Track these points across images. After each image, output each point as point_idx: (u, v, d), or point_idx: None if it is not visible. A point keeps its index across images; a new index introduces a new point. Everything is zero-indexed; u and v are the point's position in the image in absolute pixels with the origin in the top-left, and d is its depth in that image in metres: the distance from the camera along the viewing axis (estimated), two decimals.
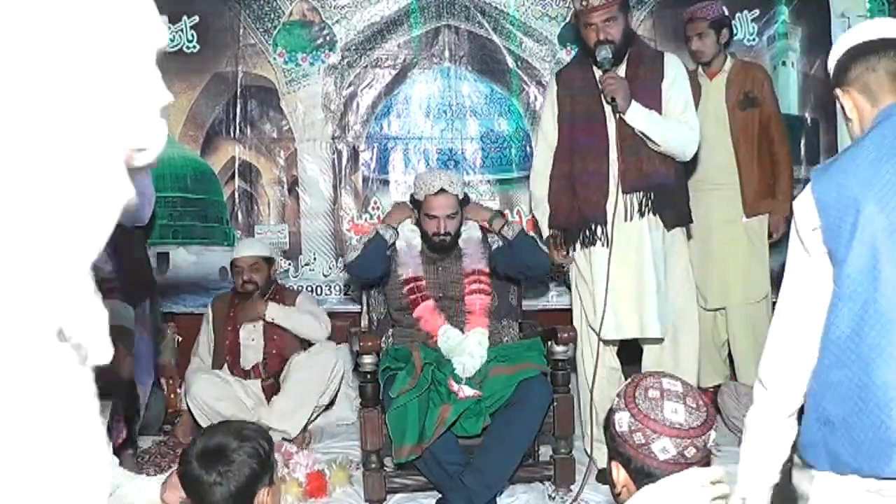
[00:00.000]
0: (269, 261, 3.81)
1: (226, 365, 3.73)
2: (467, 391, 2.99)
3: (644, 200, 3.04)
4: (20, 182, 0.79)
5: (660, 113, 3.04)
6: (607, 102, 3.01)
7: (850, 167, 1.57)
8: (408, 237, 3.33)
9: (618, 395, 1.56)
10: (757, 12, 4.22)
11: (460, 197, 3.27)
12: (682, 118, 3.06)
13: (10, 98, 0.79)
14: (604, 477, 3.23)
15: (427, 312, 3.21)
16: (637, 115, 2.99)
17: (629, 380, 1.59)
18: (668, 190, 3.05)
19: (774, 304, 3.13)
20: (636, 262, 3.06)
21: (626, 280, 3.04)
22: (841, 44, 1.71)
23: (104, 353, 0.87)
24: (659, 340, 3.13)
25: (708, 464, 1.51)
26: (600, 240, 3.09)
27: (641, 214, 3.04)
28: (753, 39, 4.22)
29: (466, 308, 3.23)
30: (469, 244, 3.33)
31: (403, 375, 2.99)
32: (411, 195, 3.36)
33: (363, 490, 3.08)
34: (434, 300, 3.23)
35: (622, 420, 1.51)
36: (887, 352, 1.49)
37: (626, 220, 3.04)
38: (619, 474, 1.53)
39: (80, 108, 0.83)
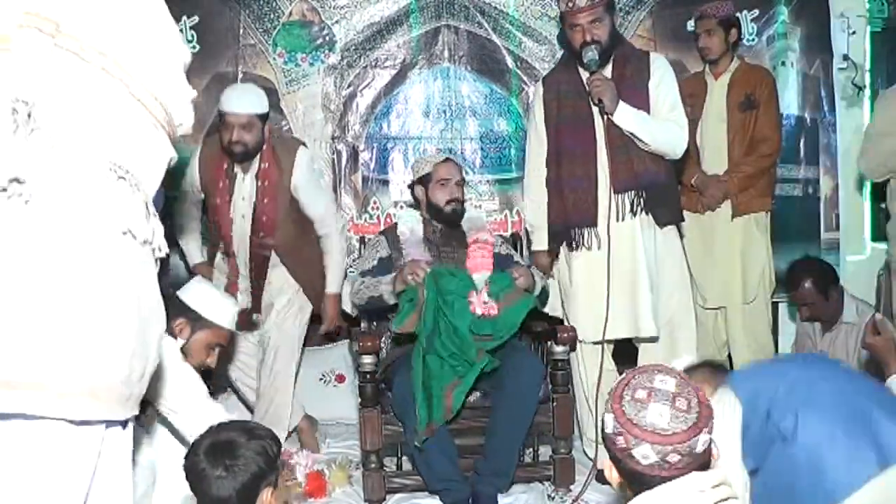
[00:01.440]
0: (263, 118, 3.23)
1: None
2: (485, 299, 2.93)
3: (636, 200, 3.05)
4: (121, 137, 1.34)
5: (648, 112, 3.04)
6: (594, 104, 3.02)
7: None
8: (410, 223, 3.29)
9: (609, 393, 1.52)
10: (757, 12, 4.21)
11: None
12: (671, 116, 3.07)
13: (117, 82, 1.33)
14: (602, 477, 3.24)
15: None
16: (625, 116, 2.99)
17: (623, 375, 1.54)
18: (659, 188, 3.07)
19: (776, 304, 3.17)
20: (629, 261, 3.07)
21: (619, 280, 3.05)
22: None
23: (164, 248, 1.41)
24: (655, 340, 3.14)
25: (708, 466, 1.47)
26: (585, 245, 3.12)
27: (633, 214, 3.06)
28: (753, 39, 4.22)
29: (467, 263, 3.08)
30: (471, 225, 3.29)
31: (407, 309, 2.93)
32: (412, 181, 3.36)
33: (363, 490, 3.08)
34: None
35: (608, 422, 1.48)
36: None
37: (617, 220, 3.05)
38: (612, 473, 1.53)
39: (152, 94, 1.39)
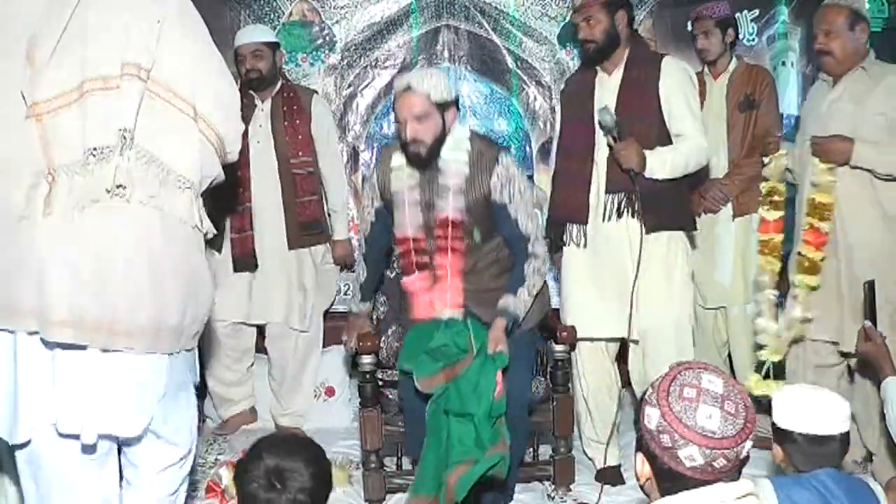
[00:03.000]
0: (273, 46, 3.62)
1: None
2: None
3: (625, 202, 3.01)
4: (188, 158, 1.92)
5: (656, 114, 2.99)
6: (624, 172, 2.94)
7: None
8: (401, 176, 2.89)
9: (651, 386, 1.45)
10: (757, 12, 4.22)
11: (436, 98, 2.73)
12: (688, 129, 2.99)
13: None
14: (602, 476, 3.24)
15: (414, 288, 2.91)
16: (656, 168, 2.93)
17: (667, 370, 1.46)
18: (655, 193, 2.96)
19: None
20: (611, 263, 3.05)
21: (601, 280, 3.07)
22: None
23: (213, 230, 2.04)
24: (635, 342, 3.11)
25: (738, 473, 1.41)
26: (574, 241, 3.13)
27: (619, 216, 3.02)
28: (753, 39, 4.23)
29: (436, 270, 2.86)
30: (448, 167, 2.80)
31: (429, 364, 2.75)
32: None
33: (363, 490, 3.09)
34: (428, 270, 2.89)
35: (652, 416, 1.41)
36: None
37: (604, 220, 3.04)
38: (643, 468, 1.45)
39: (214, 131, 1.95)
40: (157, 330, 1.88)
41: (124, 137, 1.82)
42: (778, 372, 3.07)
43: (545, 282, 2.98)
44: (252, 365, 3.89)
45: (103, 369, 1.85)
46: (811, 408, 1.97)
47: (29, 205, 1.80)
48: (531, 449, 3.21)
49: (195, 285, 1.99)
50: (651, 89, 3.01)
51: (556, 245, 3.22)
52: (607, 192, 3.02)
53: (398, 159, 2.87)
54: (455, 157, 2.79)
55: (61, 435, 1.85)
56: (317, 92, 3.83)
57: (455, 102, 2.83)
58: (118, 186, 1.81)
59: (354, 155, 4.18)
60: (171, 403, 1.99)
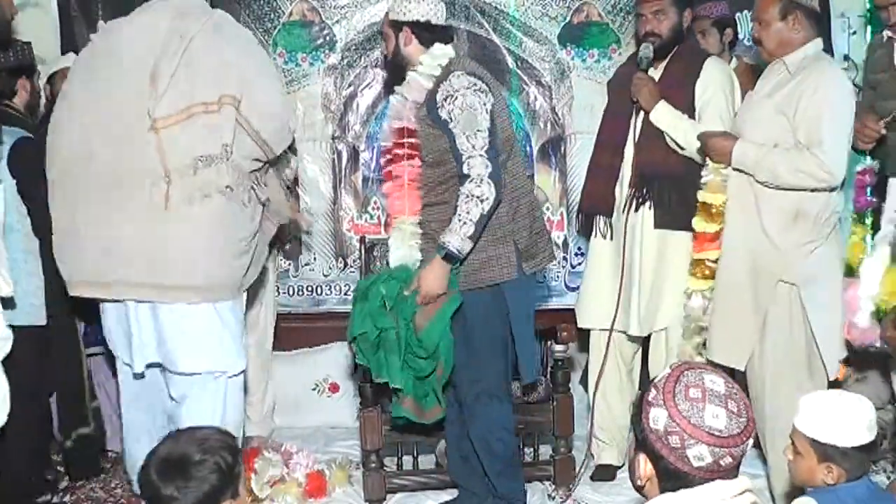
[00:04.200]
0: None
1: None
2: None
3: (645, 195, 3.04)
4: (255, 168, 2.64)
5: (689, 112, 3.00)
6: (632, 101, 3.04)
7: None
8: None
9: (654, 387, 1.45)
10: None
11: (392, 17, 2.80)
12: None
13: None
14: (600, 474, 3.24)
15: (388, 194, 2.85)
16: (662, 116, 2.98)
17: (668, 371, 1.47)
18: (668, 189, 3.01)
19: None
20: (630, 256, 3.08)
21: (620, 273, 3.09)
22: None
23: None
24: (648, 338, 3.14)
25: (737, 472, 1.43)
26: (602, 232, 3.19)
27: (636, 209, 3.05)
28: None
29: (397, 179, 2.76)
30: (412, 84, 2.76)
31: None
32: None
33: (363, 490, 3.09)
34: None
35: (658, 417, 1.41)
36: None
37: (625, 213, 3.07)
38: (646, 468, 1.45)
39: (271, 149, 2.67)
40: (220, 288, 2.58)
41: (226, 149, 2.47)
42: None
43: (509, 238, 2.72)
44: None
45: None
46: (850, 416, 1.86)
47: (151, 199, 2.43)
48: (531, 449, 3.21)
49: (260, 250, 2.76)
50: (688, 86, 3.02)
51: (585, 235, 3.37)
52: (631, 185, 3.07)
53: None
54: (417, 77, 2.73)
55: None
56: None
57: (416, 24, 2.73)
58: (227, 187, 2.48)
59: (354, 155, 4.18)
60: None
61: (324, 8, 4.12)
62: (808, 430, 1.86)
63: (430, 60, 2.73)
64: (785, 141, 2.66)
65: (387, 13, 2.83)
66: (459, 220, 2.57)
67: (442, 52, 2.75)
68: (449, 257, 2.59)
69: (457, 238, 2.58)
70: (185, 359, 2.56)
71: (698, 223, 2.86)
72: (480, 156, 2.58)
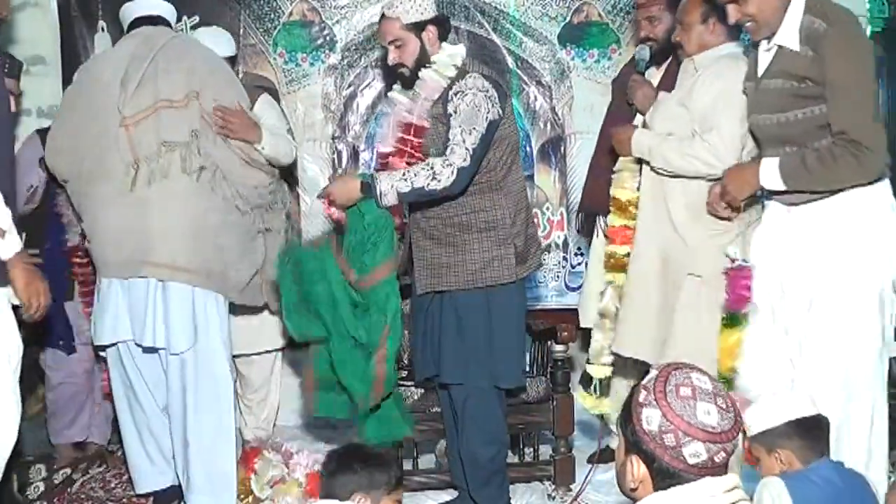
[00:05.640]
0: (230, 60, 3.36)
1: None
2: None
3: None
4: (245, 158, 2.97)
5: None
6: (628, 103, 3.09)
7: None
8: (396, 97, 2.92)
9: (644, 388, 1.47)
10: None
11: (407, 21, 2.73)
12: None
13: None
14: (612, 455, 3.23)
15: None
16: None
17: (654, 373, 1.49)
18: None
19: None
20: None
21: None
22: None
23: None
24: None
25: (726, 469, 1.44)
26: (603, 231, 3.20)
27: None
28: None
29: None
30: (426, 83, 2.77)
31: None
32: None
33: None
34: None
35: (651, 418, 1.43)
36: None
37: None
38: (639, 470, 1.45)
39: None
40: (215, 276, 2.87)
41: (194, 134, 2.80)
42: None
43: (510, 241, 2.73)
44: None
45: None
46: (781, 399, 2.02)
47: (122, 185, 2.77)
48: (531, 449, 3.21)
49: (251, 248, 3.01)
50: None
51: (585, 235, 3.43)
52: None
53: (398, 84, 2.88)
54: (433, 75, 2.74)
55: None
56: (269, 91, 3.48)
57: (434, 20, 2.75)
58: (200, 168, 2.80)
59: (355, 155, 4.18)
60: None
61: (324, 8, 4.13)
62: (749, 429, 1.98)
63: (444, 59, 2.74)
64: (684, 132, 2.69)
65: (392, 20, 2.74)
66: (404, 176, 2.59)
67: (454, 51, 2.79)
68: (366, 186, 2.60)
69: (388, 184, 2.58)
70: (148, 334, 2.81)
71: (610, 217, 2.92)
72: (465, 149, 2.60)
